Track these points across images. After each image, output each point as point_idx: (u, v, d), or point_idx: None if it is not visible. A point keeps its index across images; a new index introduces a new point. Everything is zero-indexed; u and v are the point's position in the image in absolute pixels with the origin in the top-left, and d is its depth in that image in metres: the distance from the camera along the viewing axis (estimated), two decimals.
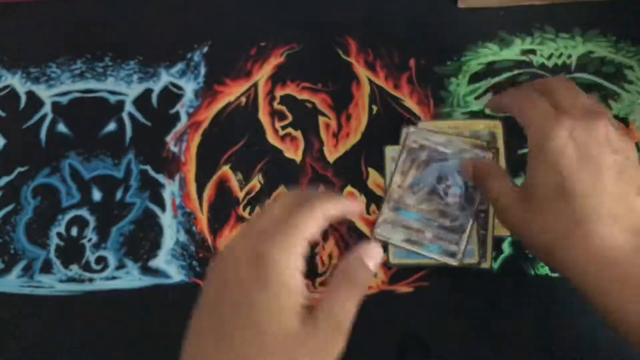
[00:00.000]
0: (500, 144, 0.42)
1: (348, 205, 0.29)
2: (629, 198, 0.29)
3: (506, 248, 0.43)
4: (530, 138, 0.32)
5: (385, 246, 0.40)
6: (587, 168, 0.29)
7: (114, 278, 0.44)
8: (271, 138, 0.46)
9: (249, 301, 0.24)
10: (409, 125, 0.42)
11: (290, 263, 0.25)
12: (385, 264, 0.42)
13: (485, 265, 0.41)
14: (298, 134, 0.46)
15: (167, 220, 0.45)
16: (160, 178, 0.46)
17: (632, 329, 0.27)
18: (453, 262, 0.39)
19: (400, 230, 0.40)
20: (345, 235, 0.44)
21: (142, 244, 0.44)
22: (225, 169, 0.45)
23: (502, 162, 0.42)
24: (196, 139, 0.46)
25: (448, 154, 0.41)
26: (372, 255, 0.27)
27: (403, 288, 0.43)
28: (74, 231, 0.45)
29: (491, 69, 0.46)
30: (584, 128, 0.30)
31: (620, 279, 0.27)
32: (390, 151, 0.43)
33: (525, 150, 0.44)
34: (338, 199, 0.29)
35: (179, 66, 0.47)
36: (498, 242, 0.43)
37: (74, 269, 0.44)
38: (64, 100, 0.47)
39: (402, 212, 0.40)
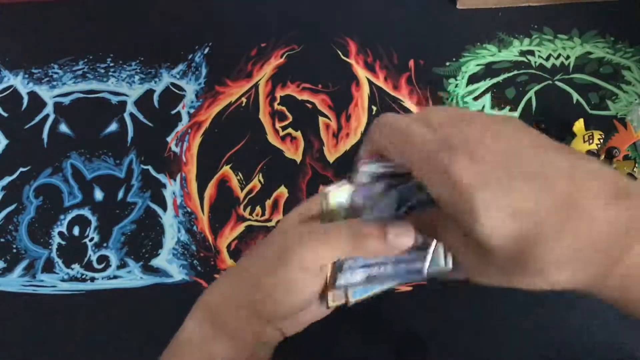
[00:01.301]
0: None
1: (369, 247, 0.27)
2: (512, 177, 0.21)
3: None
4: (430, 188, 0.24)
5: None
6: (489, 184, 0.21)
7: (115, 277, 0.44)
8: (271, 138, 0.46)
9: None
10: (358, 165, 0.31)
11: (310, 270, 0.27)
12: (345, 306, 0.32)
13: (456, 275, 0.34)
14: (298, 134, 0.46)
15: (169, 219, 0.45)
16: (162, 178, 0.46)
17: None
18: (419, 278, 0.32)
19: (358, 271, 0.33)
20: None
21: (143, 243, 0.45)
22: (226, 168, 0.46)
23: None
24: (197, 139, 0.46)
25: (406, 175, 0.33)
26: None
27: (402, 287, 0.43)
28: (76, 230, 0.45)
29: (490, 69, 0.46)
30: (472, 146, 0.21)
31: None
32: (334, 198, 0.32)
33: None
34: (361, 239, 0.27)
35: (180, 67, 0.48)
36: None
37: (76, 268, 0.45)
38: (66, 100, 0.48)
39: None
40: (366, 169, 0.31)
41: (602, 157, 0.41)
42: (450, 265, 0.31)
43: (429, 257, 0.31)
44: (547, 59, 0.46)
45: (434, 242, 0.31)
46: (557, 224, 0.20)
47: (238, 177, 0.45)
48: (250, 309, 0.28)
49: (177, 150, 0.46)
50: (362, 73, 0.47)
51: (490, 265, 0.22)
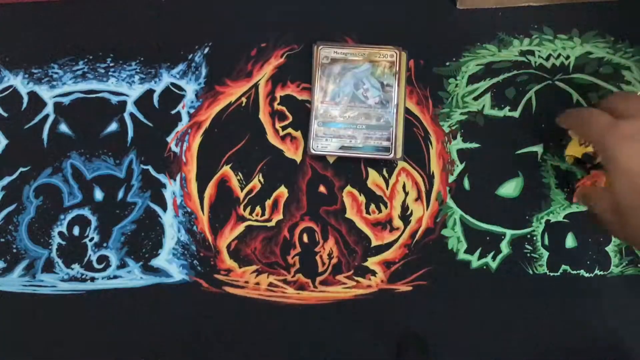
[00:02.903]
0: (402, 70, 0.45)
1: None
2: None
3: (505, 247, 0.43)
4: (598, 152, 0.36)
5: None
6: None
7: (115, 277, 0.44)
8: (271, 138, 0.46)
9: None
10: (317, 43, 0.45)
11: None
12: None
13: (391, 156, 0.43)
14: (298, 134, 0.46)
15: (169, 219, 0.45)
16: (162, 178, 0.46)
17: None
18: (388, 156, 0.43)
19: (333, 140, 0.44)
20: (345, 235, 0.44)
21: (143, 243, 0.45)
22: (226, 168, 0.46)
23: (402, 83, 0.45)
24: (197, 139, 0.46)
25: (359, 61, 0.45)
26: None
27: (402, 287, 0.43)
28: (76, 230, 0.45)
29: (490, 69, 0.46)
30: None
31: None
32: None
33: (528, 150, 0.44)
34: None
35: (180, 67, 0.48)
36: (496, 241, 0.43)
37: (76, 268, 0.45)
38: (66, 100, 0.48)
39: (330, 124, 0.44)
40: (324, 48, 0.45)
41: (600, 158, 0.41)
42: (399, 155, 0.44)
43: (393, 136, 0.43)
44: (547, 59, 0.46)
45: (394, 121, 0.43)
46: None
47: (238, 177, 0.45)
48: None
49: (177, 150, 0.46)
50: None
51: (625, 227, 0.33)
